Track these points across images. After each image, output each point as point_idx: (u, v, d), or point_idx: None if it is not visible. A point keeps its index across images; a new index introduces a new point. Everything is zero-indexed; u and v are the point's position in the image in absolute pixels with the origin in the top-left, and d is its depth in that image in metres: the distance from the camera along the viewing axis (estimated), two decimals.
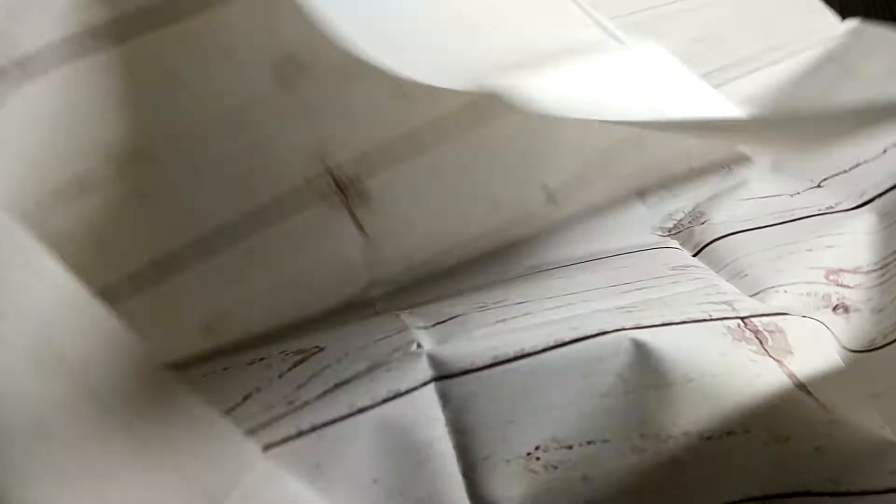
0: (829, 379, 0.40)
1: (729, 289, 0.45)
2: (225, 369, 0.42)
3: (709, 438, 0.38)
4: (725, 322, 0.40)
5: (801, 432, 0.37)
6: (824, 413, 0.38)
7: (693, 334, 0.40)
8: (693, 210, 0.53)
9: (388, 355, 0.41)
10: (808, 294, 0.47)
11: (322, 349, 0.42)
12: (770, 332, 0.40)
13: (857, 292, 0.49)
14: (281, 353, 0.42)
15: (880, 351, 0.46)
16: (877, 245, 0.51)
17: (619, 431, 0.39)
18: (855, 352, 0.46)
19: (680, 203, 0.53)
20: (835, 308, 0.48)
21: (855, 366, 0.46)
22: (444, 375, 0.41)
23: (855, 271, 0.50)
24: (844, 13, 0.60)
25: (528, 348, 0.41)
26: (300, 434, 0.38)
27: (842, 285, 0.48)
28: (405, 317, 0.44)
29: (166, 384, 0.33)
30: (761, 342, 0.40)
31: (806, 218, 0.51)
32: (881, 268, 0.50)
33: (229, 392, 0.40)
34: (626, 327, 0.40)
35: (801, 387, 0.38)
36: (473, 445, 0.40)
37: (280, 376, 0.41)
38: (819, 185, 0.53)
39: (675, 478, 0.39)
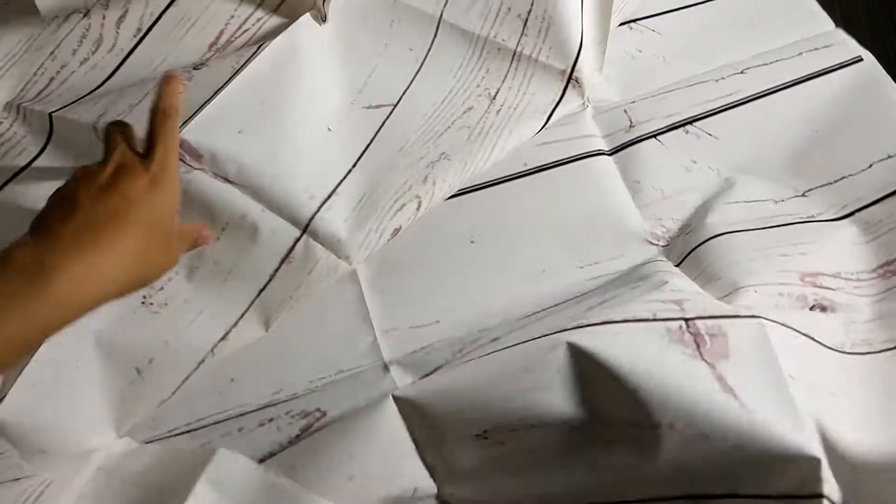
0: (760, 382, 0.42)
1: (685, 287, 0.47)
2: (240, 430, 0.48)
3: (637, 426, 0.41)
4: (667, 323, 0.43)
5: (721, 430, 0.40)
6: (745, 413, 0.40)
7: (630, 334, 0.43)
8: (682, 221, 0.55)
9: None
10: (781, 294, 0.48)
11: (324, 414, 0.48)
12: (712, 335, 0.42)
13: (839, 294, 0.50)
14: (287, 413, 0.48)
15: (873, 355, 0.48)
16: (860, 256, 0.52)
17: (559, 417, 0.43)
18: (839, 351, 0.48)
19: (671, 211, 0.55)
20: (811, 307, 0.49)
21: (839, 364, 0.47)
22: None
23: (835, 276, 0.51)
24: (844, 13, 0.60)
25: (472, 354, 0.47)
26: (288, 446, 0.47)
27: (821, 287, 0.50)
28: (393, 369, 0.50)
29: None
30: (698, 345, 0.42)
31: (787, 225, 0.53)
32: (868, 279, 0.51)
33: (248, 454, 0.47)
34: (567, 328, 0.44)
35: (728, 389, 0.40)
36: (432, 435, 0.46)
37: (290, 443, 0.47)
38: (804, 195, 0.54)
39: (608, 461, 0.43)
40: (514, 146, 0.53)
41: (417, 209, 0.50)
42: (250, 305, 0.48)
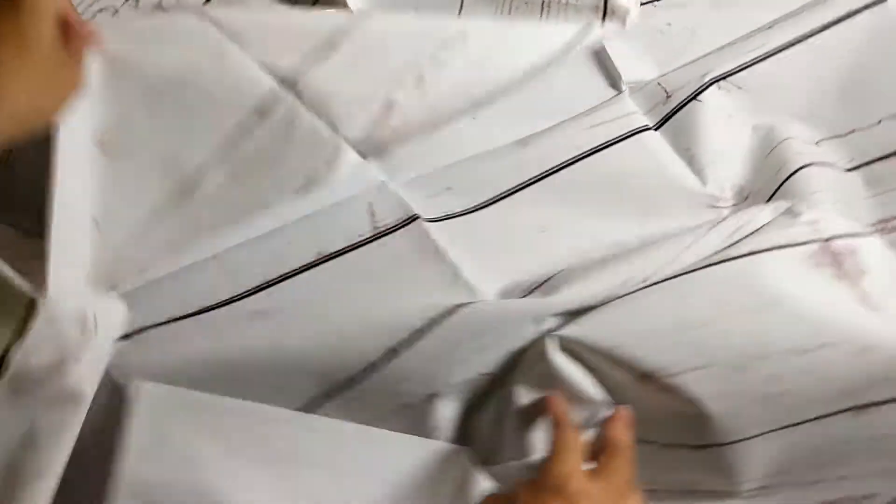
0: None
1: (813, 209, 0.49)
2: None
3: (804, 352, 0.42)
4: (807, 247, 0.44)
5: (878, 344, 0.42)
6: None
7: (777, 262, 0.44)
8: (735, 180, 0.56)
9: None
10: None
11: None
12: (850, 251, 0.45)
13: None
14: None
15: None
16: (861, 210, 0.55)
17: (722, 356, 0.43)
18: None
19: (725, 171, 0.56)
20: None
21: None
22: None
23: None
24: None
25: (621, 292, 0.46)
26: None
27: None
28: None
29: None
30: (839, 264, 0.44)
31: (824, 165, 0.55)
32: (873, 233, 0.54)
33: None
34: (713, 263, 0.44)
35: (875, 304, 0.43)
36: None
37: None
38: (816, 144, 0.57)
39: (776, 390, 0.43)
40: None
41: (417, 85, 0.47)
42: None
